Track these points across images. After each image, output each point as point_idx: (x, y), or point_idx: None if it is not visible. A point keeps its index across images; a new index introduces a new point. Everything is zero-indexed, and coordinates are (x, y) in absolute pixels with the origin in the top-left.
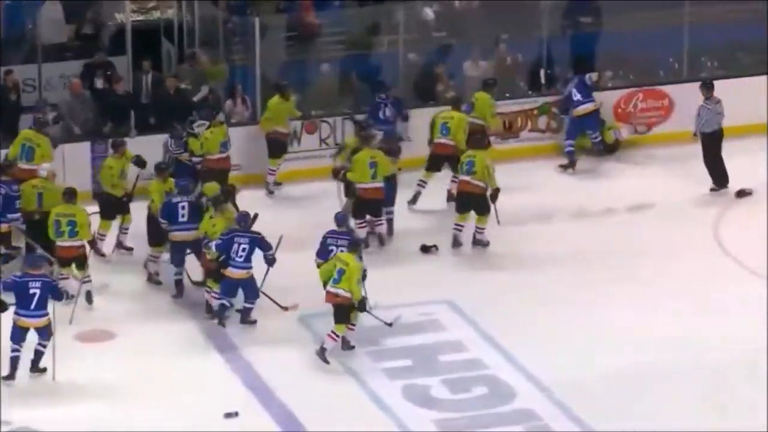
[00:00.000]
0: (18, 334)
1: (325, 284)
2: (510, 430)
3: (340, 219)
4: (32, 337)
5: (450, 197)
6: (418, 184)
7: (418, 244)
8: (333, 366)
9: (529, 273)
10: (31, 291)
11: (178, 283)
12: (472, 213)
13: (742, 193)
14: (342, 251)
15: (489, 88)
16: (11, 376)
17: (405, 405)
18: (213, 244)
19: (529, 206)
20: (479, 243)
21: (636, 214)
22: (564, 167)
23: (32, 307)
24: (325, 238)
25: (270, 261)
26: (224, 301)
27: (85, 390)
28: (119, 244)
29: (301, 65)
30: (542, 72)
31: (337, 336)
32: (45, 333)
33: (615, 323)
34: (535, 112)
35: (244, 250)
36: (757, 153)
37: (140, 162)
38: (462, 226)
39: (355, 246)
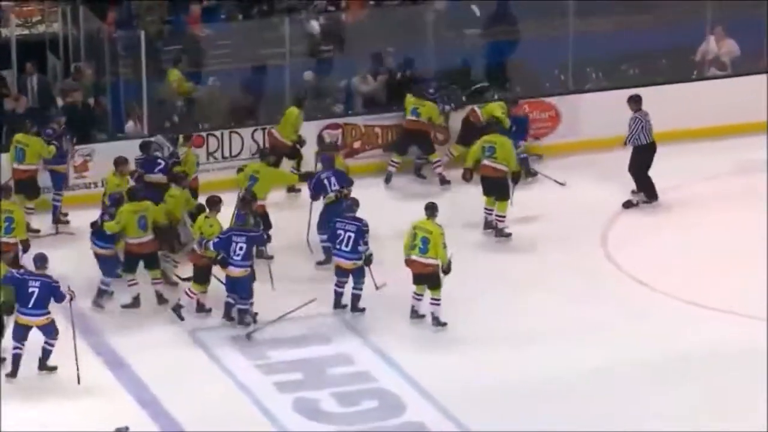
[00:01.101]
0: (19, 332)
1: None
2: None
3: (349, 207)
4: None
5: (443, 180)
6: (391, 165)
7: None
8: (223, 380)
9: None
10: (30, 290)
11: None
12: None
13: (629, 204)
14: (349, 230)
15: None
16: (13, 374)
17: (296, 418)
18: (211, 243)
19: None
20: (501, 234)
21: (526, 225)
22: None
23: (30, 305)
24: (335, 222)
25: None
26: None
27: None
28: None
29: (188, 78)
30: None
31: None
32: (50, 331)
33: (505, 333)
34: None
35: (241, 248)
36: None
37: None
38: (492, 209)
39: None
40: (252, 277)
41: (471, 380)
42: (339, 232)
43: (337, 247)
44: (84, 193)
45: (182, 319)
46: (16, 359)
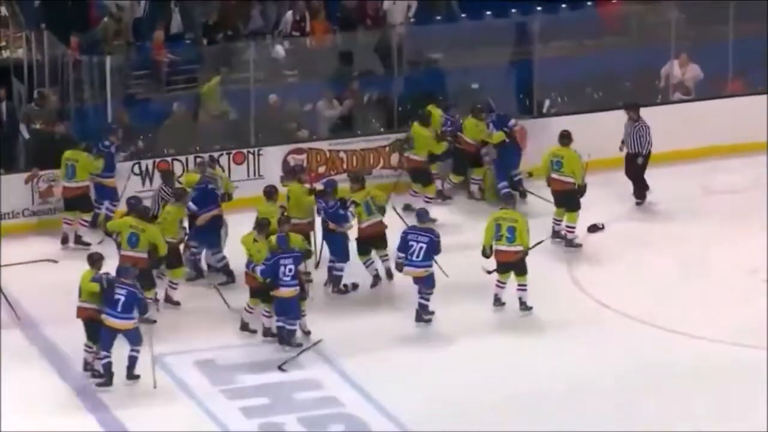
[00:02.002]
0: (107, 339)
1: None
2: None
3: (422, 215)
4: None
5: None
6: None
7: None
8: (189, 405)
9: (384, 311)
10: (116, 296)
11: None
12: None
13: (594, 228)
14: (422, 241)
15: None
16: (108, 383)
17: None
18: (258, 269)
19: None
20: (571, 244)
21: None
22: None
23: (119, 309)
24: (405, 233)
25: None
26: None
27: None
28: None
29: (152, 103)
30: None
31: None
32: (134, 338)
33: (472, 358)
34: (387, 149)
35: (290, 270)
36: (612, 185)
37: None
38: (560, 220)
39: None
40: (300, 296)
41: (437, 403)
42: (411, 243)
43: (409, 257)
44: (48, 219)
45: (253, 331)
46: (108, 367)
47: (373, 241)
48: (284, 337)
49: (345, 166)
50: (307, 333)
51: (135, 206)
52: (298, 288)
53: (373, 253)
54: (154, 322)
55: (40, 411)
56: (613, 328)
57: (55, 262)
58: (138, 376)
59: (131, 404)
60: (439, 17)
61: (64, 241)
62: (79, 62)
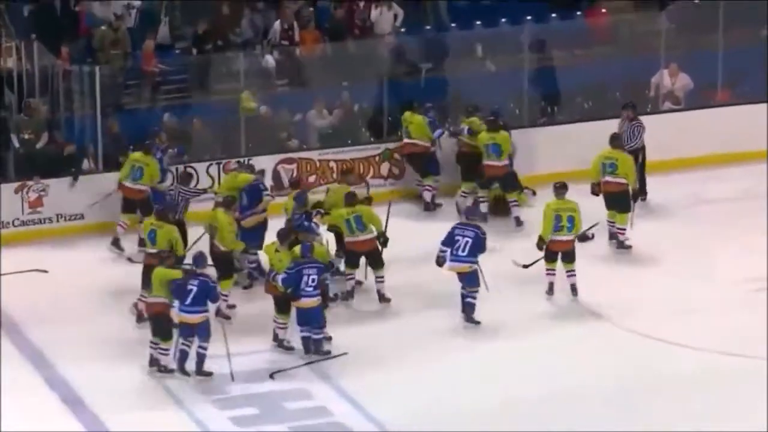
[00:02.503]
0: (186, 330)
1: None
2: None
3: (470, 211)
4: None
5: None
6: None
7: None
8: (180, 416)
9: (374, 323)
10: (189, 287)
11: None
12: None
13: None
14: (468, 236)
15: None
16: (181, 370)
17: None
18: (279, 278)
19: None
20: (622, 245)
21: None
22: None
23: (188, 302)
24: (453, 228)
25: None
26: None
27: None
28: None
29: (142, 113)
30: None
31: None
32: (203, 332)
33: (465, 368)
34: (377, 158)
35: (313, 280)
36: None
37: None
38: (613, 222)
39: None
40: (323, 305)
41: (427, 413)
42: (457, 237)
43: (454, 252)
44: (37, 229)
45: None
46: (183, 355)
47: (364, 256)
48: (310, 347)
49: (335, 175)
50: (328, 339)
51: (157, 209)
52: (320, 298)
53: (363, 272)
54: (229, 318)
55: (28, 417)
56: (608, 335)
57: (45, 272)
58: (210, 373)
59: (120, 412)
60: (428, 27)
61: (115, 243)
62: (69, 72)
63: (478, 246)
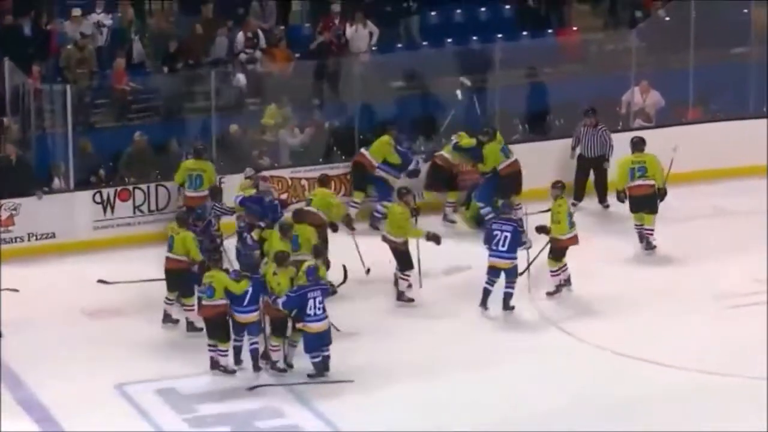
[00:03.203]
0: (238, 328)
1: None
2: None
3: (506, 206)
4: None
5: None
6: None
7: None
8: None
9: (345, 339)
10: (245, 290)
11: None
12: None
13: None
14: (506, 230)
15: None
16: (237, 362)
17: None
18: (280, 302)
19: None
20: (649, 246)
21: (455, 276)
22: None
23: (245, 303)
24: (490, 224)
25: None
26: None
27: None
28: None
29: (113, 131)
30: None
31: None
32: (255, 329)
33: (439, 388)
34: (348, 176)
35: (320, 302)
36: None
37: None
38: (641, 224)
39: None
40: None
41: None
42: (496, 232)
43: (494, 247)
44: (9, 248)
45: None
46: (237, 351)
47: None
48: (321, 368)
49: (306, 193)
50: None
51: (178, 215)
52: (328, 320)
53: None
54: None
55: None
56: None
57: (16, 291)
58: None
59: (90, 430)
60: (400, 45)
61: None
62: (40, 91)
63: (518, 240)
